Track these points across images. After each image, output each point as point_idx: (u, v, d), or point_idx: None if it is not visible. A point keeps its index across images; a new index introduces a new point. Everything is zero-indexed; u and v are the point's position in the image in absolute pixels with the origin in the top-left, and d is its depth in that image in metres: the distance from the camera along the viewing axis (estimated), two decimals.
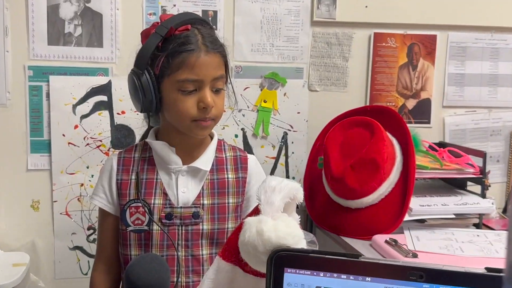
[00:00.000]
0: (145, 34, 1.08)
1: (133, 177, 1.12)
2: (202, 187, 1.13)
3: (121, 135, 1.73)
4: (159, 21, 1.08)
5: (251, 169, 1.19)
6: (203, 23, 1.09)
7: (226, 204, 1.14)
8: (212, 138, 1.18)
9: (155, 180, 1.13)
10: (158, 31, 1.04)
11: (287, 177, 1.86)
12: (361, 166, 1.39)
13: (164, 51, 1.04)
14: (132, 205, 1.11)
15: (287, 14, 1.82)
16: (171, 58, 1.03)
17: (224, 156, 1.17)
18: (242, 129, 1.85)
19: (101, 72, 1.71)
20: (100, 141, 1.74)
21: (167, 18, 1.06)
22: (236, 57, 1.80)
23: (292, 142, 1.89)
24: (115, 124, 1.73)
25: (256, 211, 0.73)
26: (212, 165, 1.14)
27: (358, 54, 1.91)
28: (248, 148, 1.84)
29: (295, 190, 0.73)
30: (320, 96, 1.90)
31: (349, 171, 1.40)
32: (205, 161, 1.14)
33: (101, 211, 1.18)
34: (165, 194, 1.12)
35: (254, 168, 1.20)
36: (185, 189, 1.12)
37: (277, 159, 1.88)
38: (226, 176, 1.15)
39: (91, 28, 1.67)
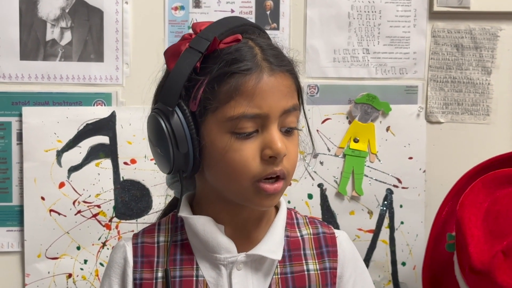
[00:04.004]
0: (172, 54, 0.96)
1: (160, 274, 1.02)
2: (270, 287, 1.02)
3: (129, 197, 1.52)
4: (192, 31, 0.97)
5: (344, 254, 1.07)
6: (258, 31, 1.00)
7: None
8: (278, 207, 1.07)
9: (194, 279, 1.01)
10: (194, 45, 0.93)
11: (394, 262, 1.60)
12: None
13: (205, 75, 0.94)
14: None
15: (390, 2, 1.61)
16: (218, 84, 0.93)
17: (299, 234, 1.06)
18: (320, 185, 1.62)
19: (100, 100, 1.54)
20: (99, 206, 1.52)
21: (203, 26, 0.95)
22: (309, 72, 1.60)
23: (401, 206, 1.65)
24: (121, 179, 1.52)
25: None
26: (283, 250, 1.03)
27: (508, 63, 1.66)
28: (329, 215, 1.63)
29: None
30: (446, 132, 1.68)
31: (500, 259, 1.24)
32: (271, 245, 1.02)
33: None
34: None
35: (347, 253, 1.08)
36: None
37: (376, 233, 1.64)
38: (305, 267, 1.03)
39: (86, 32, 1.53)
